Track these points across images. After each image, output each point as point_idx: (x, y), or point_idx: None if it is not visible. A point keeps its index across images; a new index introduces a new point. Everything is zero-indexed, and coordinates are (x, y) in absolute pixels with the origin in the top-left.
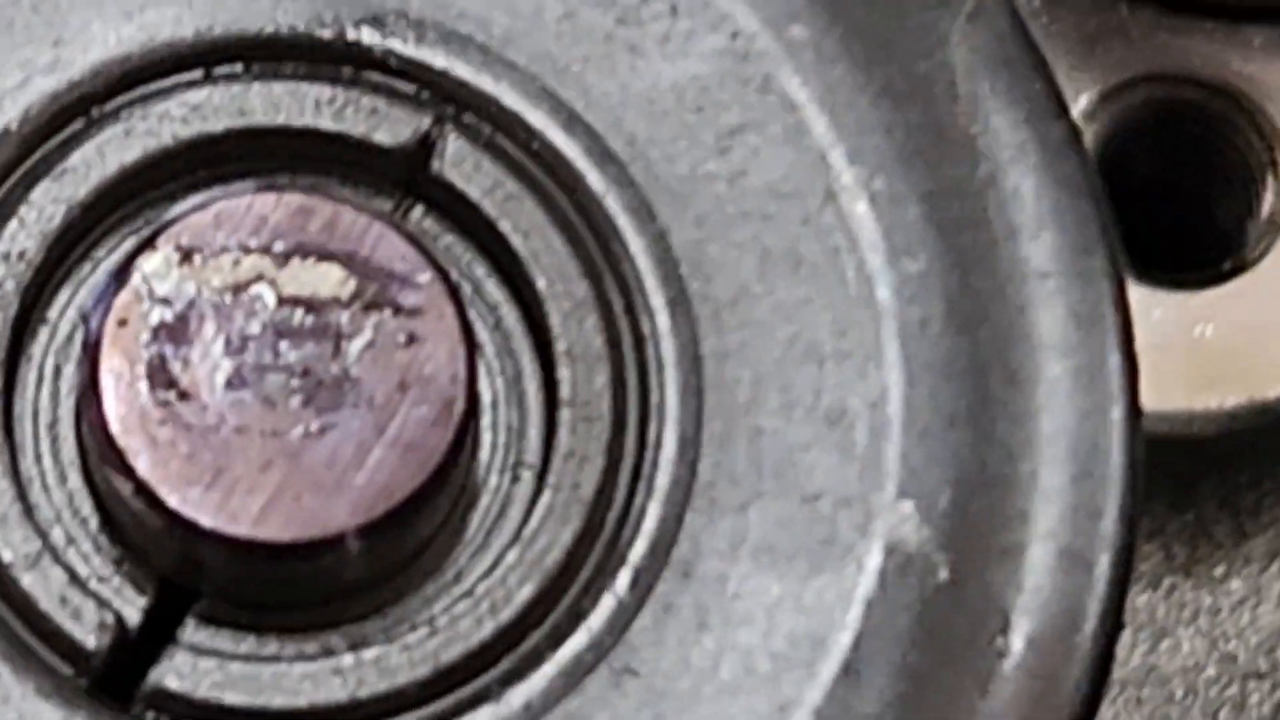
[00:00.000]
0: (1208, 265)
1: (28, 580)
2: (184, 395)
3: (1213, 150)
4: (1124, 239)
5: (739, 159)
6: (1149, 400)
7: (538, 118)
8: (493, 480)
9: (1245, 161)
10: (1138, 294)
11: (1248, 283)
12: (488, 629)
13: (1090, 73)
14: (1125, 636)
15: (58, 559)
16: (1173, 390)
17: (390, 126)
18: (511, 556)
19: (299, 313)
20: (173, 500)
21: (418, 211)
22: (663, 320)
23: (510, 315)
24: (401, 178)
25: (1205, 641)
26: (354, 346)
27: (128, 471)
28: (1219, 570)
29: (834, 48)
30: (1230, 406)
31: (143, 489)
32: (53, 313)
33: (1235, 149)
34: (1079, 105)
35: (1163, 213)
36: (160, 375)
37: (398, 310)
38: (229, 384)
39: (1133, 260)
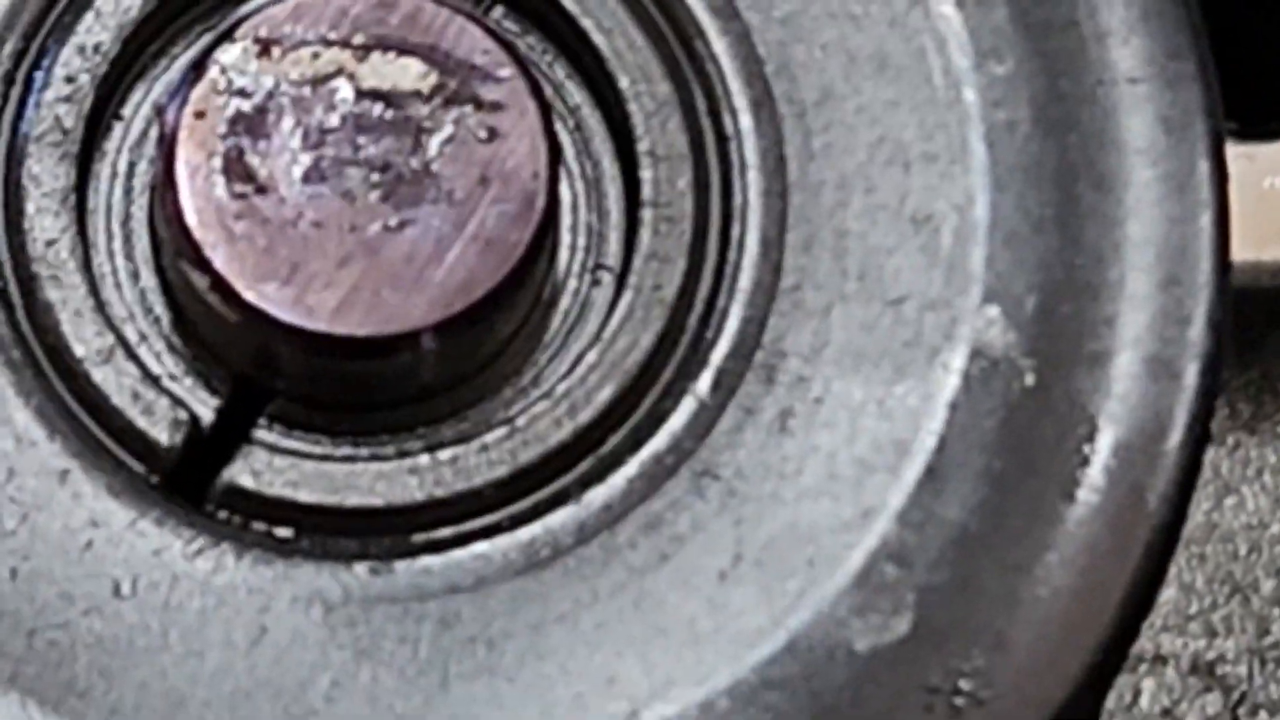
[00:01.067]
0: (1278, 117)
1: (100, 376)
2: (261, 189)
3: None
4: None
5: None
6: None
7: None
8: (572, 282)
9: None
10: None
11: None
12: (567, 430)
13: None
14: None
15: (131, 355)
16: (1240, 243)
17: None
18: (591, 358)
19: (378, 106)
20: (249, 295)
21: (499, 10)
22: (746, 121)
23: (591, 116)
24: None
25: (1270, 499)
26: (434, 141)
27: (204, 265)
28: None
29: None
30: None
31: (219, 283)
32: (128, 109)
33: None
34: None
35: (1235, 63)
36: (237, 168)
37: (479, 105)
38: (307, 178)
39: None
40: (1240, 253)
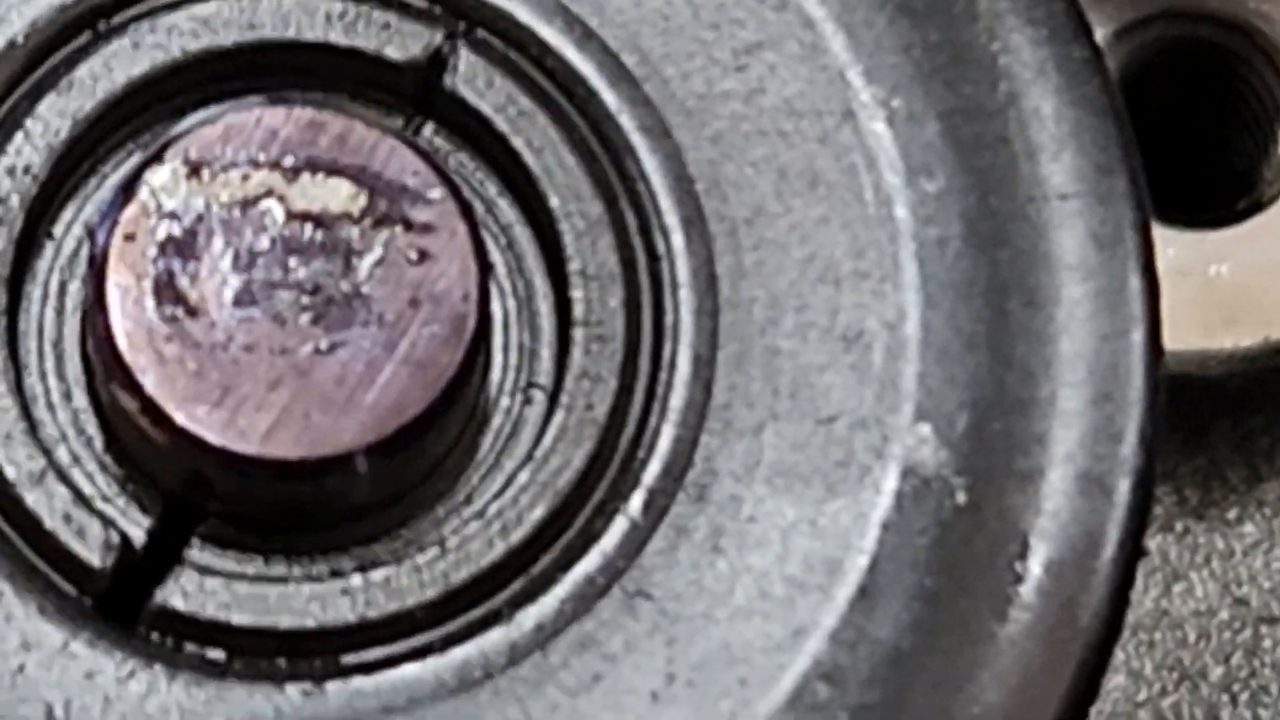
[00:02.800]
0: (1223, 205)
1: (32, 498)
2: (192, 311)
3: (1229, 89)
4: None
5: (755, 77)
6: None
7: (551, 34)
8: (504, 401)
9: (1261, 101)
10: (1154, 232)
11: (1263, 222)
12: (499, 550)
13: (1106, 9)
14: (1138, 579)
15: (62, 477)
16: (1187, 330)
17: (402, 41)
18: (523, 477)
19: (309, 228)
20: (180, 418)
21: (429, 128)
22: (678, 239)
23: (523, 235)
24: (413, 94)
25: (1218, 585)
26: (365, 263)
27: (134, 388)
28: (1232, 514)
29: None
30: (1245, 346)
31: (149, 406)
32: (58, 228)
33: (1251, 88)
34: (1101, 29)
35: (1178, 151)
36: (168, 291)
37: (409, 226)
38: (237, 300)
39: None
40: (1187, 340)
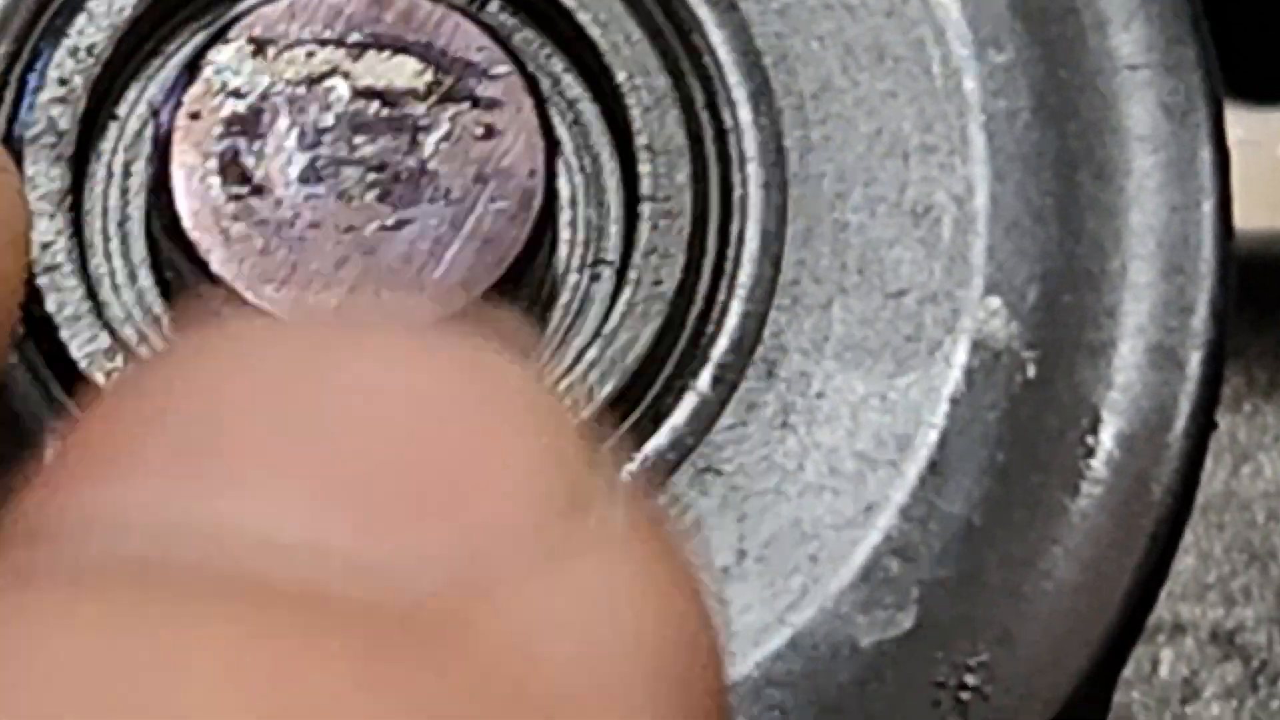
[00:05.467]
0: None
1: (99, 378)
2: (257, 190)
3: None
4: None
5: None
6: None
7: None
8: (572, 277)
9: None
10: None
11: None
12: None
13: None
14: (1206, 460)
15: (130, 357)
16: (1255, 210)
17: None
18: (592, 354)
19: (374, 105)
20: (247, 295)
21: (494, 4)
22: (744, 114)
23: (589, 110)
24: None
25: None
26: (430, 139)
27: (201, 267)
28: None
29: None
30: None
31: (216, 284)
32: (122, 109)
33: None
34: None
35: (1248, 28)
36: (233, 169)
37: (475, 102)
38: (303, 178)
39: None
40: (1254, 220)
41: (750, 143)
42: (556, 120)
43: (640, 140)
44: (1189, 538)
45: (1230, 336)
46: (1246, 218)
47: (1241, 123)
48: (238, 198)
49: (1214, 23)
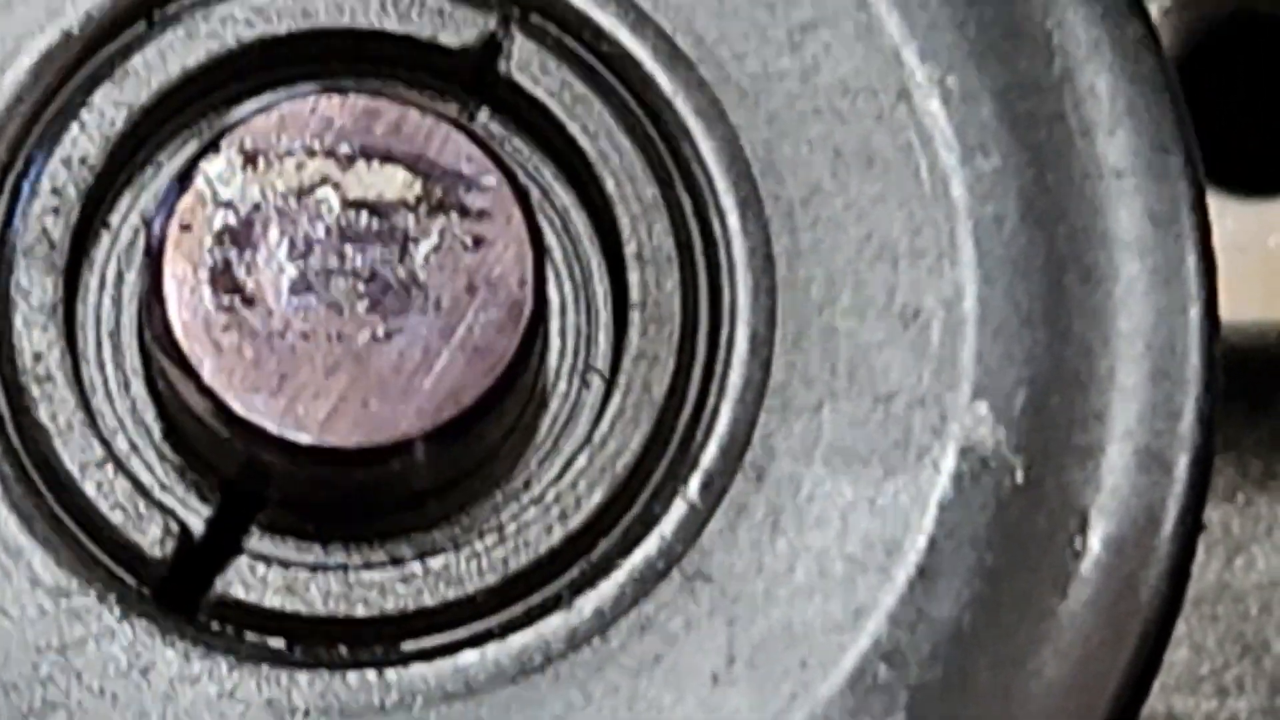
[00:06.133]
0: None
1: (91, 488)
2: (249, 300)
3: None
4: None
5: (810, 56)
6: (1222, 311)
7: (605, 18)
8: (562, 385)
9: None
10: (1212, 203)
11: None
12: (558, 535)
13: None
14: (1200, 552)
15: (121, 467)
16: (1246, 301)
17: (456, 27)
18: (581, 461)
19: (364, 216)
20: (238, 406)
21: (484, 114)
22: (734, 221)
23: (579, 219)
24: (468, 80)
25: None
26: (421, 249)
27: (192, 378)
28: None
29: None
30: None
31: (207, 395)
32: (115, 218)
33: None
34: (1157, 3)
35: (1236, 122)
36: (224, 280)
37: (464, 213)
38: (294, 289)
39: (1207, 169)
40: (1247, 311)
41: (739, 250)
42: (546, 228)
43: (630, 248)
44: (1182, 629)
45: (1223, 428)
46: (1238, 310)
47: (1232, 215)
48: (229, 308)
49: (1204, 117)
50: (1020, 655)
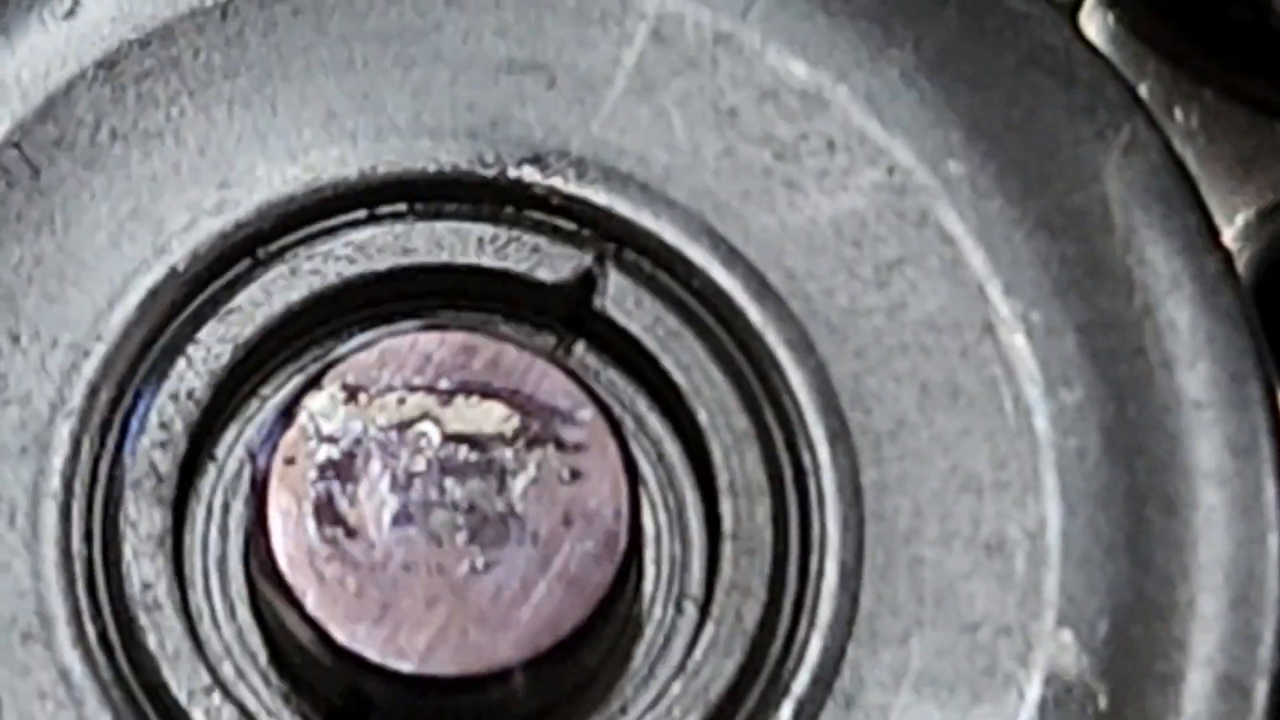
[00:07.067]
0: None
1: (199, 715)
2: (351, 532)
3: None
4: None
5: (897, 292)
6: None
7: (698, 254)
8: (656, 612)
9: None
10: None
11: None
12: None
13: (1248, 192)
14: None
15: (228, 693)
16: None
17: (552, 263)
18: (676, 688)
19: (464, 449)
20: (341, 636)
21: (580, 347)
22: (823, 453)
23: (672, 449)
24: (564, 314)
25: None
26: (518, 482)
27: (296, 608)
28: None
29: (989, 182)
30: None
31: (311, 625)
32: (220, 450)
33: None
34: (1236, 224)
35: None
36: (327, 512)
37: (561, 446)
38: (395, 521)
39: None
40: None
41: (829, 482)
42: (641, 459)
43: (722, 479)
44: None
45: None
46: None
47: None
48: (332, 540)
49: None
50: None
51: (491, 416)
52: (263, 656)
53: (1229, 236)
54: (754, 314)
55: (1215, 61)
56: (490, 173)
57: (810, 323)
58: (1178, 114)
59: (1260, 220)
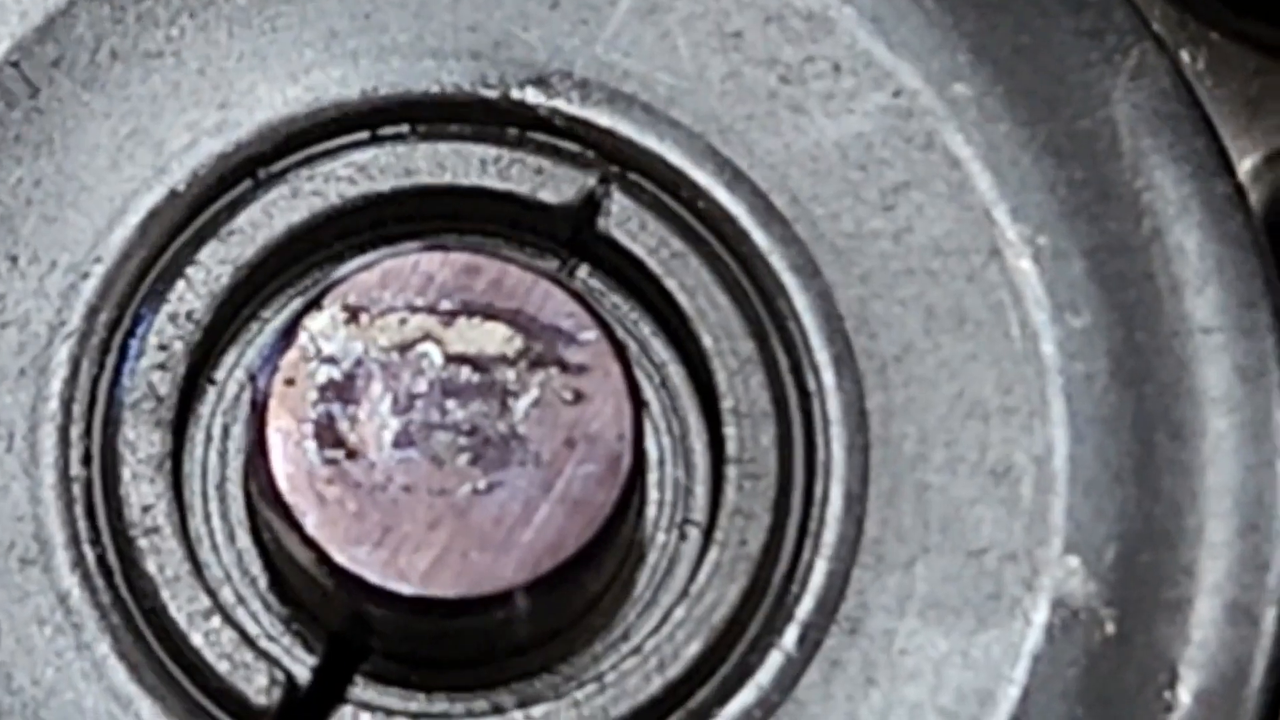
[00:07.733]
0: None
1: (198, 639)
2: (351, 454)
3: None
4: None
5: (903, 216)
6: None
7: (702, 176)
8: (660, 537)
9: None
10: None
11: None
12: (656, 685)
13: (1254, 136)
14: None
15: (228, 618)
16: None
17: (556, 185)
18: (679, 613)
19: (465, 371)
20: (341, 558)
21: (583, 270)
22: (828, 377)
23: (676, 373)
24: (567, 236)
25: None
26: (521, 404)
27: (296, 530)
28: None
29: (997, 105)
30: None
31: (311, 547)
32: (220, 373)
33: None
34: (1242, 168)
35: None
36: (328, 434)
37: (564, 368)
38: (396, 442)
39: None
40: None
41: (834, 406)
42: (645, 383)
43: (726, 403)
44: None
45: None
46: None
47: None
48: (332, 462)
49: None
50: None
51: (494, 337)
52: (263, 581)
53: None
54: (759, 237)
55: (1223, 3)
56: (493, 94)
57: (816, 246)
58: (1185, 56)
59: (1267, 163)
